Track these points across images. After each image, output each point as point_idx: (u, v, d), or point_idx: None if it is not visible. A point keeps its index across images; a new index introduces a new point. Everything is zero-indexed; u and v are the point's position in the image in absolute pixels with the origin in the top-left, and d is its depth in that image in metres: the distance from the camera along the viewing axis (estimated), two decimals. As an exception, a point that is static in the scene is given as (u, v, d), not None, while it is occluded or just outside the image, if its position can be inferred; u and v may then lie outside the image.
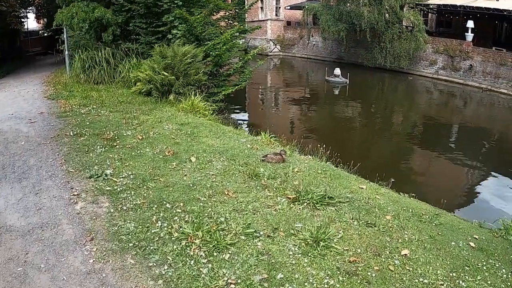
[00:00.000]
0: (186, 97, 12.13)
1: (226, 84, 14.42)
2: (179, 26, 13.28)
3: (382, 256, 4.49)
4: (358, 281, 4.03)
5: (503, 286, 4.30)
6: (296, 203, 5.71)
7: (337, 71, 26.68)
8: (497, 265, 4.68)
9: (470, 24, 30.59)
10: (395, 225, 5.36)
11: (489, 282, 4.30)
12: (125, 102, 11.33)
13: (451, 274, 4.32)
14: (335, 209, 5.70)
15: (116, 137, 7.82)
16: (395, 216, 5.70)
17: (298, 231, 4.86)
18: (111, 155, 6.82)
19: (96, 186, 5.59)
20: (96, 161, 6.56)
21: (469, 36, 30.66)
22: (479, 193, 12.28)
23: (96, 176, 5.88)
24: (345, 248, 4.56)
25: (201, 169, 6.69)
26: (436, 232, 5.31)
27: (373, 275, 4.15)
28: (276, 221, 5.09)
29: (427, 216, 5.87)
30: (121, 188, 5.54)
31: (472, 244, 5.12)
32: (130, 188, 5.57)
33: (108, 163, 6.44)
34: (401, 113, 24.13)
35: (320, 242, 4.58)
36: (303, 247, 4.52)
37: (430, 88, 31.56)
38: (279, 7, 42.38)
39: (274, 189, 6.17)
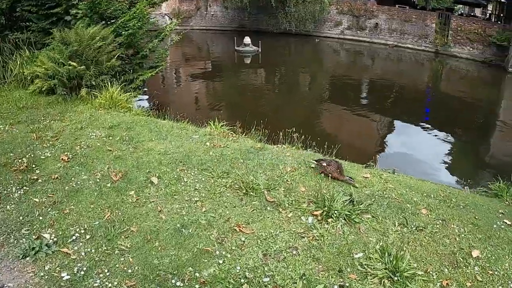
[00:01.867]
0: (100, 89, 9.71)
1: (142, 67, 12.00)
2: (80, 4, 10.55)
3: (462, 266, 3.98)
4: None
5: None
6: (328, 220, 4.37)
7: (247, 39, 25.16)
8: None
9: None
10: (437, 221, 4.76)
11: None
12: (27, 108, 8.55)
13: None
14: (372, 217, 4.62)
15: (33, 165, 5.31)
16: (427, 208, 5.06)
17: (365, 264, 3.75)
18: (37, 199, 4.44)
19: (41, 274, 3.26)
20: (21, 217, 4.11)
21: None
22: (392, 143, 12.99)
23: (34, 252, 3.50)
24: (427, 270, 3.80)
25: (174, 194, 4.74)
26: (473, 217, 4.95)
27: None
28: (330, 258, 3.78)
29: (451, 200, 5.41)
30: (84, 268, 3.32)
31: (507, 221, 4.95)
32: (97, 261, 3.40)
33: (41, 218, 4.07)
34: (313, 76, 23.94)
35: (403, 273, 3.63)
36: (392, 288, 3.41)
37: (337, 48, 31.72)
38: None
39: (287, 205, 4.64)
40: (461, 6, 45.00)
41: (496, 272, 3.95)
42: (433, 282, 3.67)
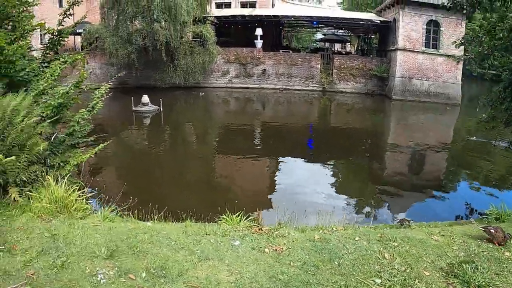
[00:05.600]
0: (34, 185, 6.84)
1: (72, 147, 8.95)
2: (-16, 64, 7.43)
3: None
4: None
5: None
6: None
7: (145, 98, 22.51)
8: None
9: (259, 31, 31.48)
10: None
11: None
12: None
13: None
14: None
15: None
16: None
17: None
18: None
19: None
20: None
21: (259, 42, 31.46)
22: (299, 185, 12.24)
23: None
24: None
25: None
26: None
27: None
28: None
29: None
30: None
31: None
32: None
33: None
34: (215, 128, 22.42)
35: None
36: None
37: (226, 97, 30.82)
38: (43, 34, 33.94)
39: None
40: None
41: None
42: None
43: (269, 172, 14.27)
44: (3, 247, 4.91)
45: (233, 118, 25.05)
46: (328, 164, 14.92)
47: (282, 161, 15.25)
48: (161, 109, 22.46)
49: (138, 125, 21.25)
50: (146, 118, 22.06)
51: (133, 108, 22.31)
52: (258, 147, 18.06)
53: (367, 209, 10.63)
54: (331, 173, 14.03)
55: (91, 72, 28.93)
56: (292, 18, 35.21)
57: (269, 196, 11.45)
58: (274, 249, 4.95)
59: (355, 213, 10.31)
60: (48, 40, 9.66)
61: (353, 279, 4.24)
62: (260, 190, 12.27)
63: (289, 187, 12.17)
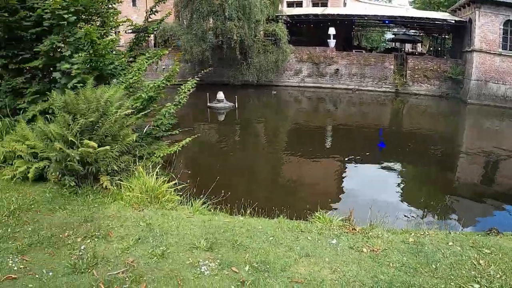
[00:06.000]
0: (123, 175, 6.85)
1: (156, 139, 9.04)
2: (74, 57, 7.57)
3: None
4: None
5: None
6: None
7: (220, 95, 22.71)
8: None
9: (332, 31, 30.91)
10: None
11: None
12: (22, 211, 5.40)
13: None
14: None
15: None
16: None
17: None
18: None
19: None
20: None
21: (332, 42, 30.93)
22: (370, 187, 12.00)
23: None
24: None
25: None
26: None
27: None
28: None
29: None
30: None
31: None
32: None
33: None
34: (287, 127, 22.14)
35: None
36: None
37: (299, 97, 30.53)
38: (119, 32, 35.52)
39: None
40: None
41: None
42: None
43: (339, 174, 14.00)
44: (98, 233, 4.90)
45: (305, 117, 24.73)
46: (399, 169, 14.53)
47: (353, 164, 14.99)
48: (236, 106, 22.54)
49: (214, 121, 21.59)
50: (221, 114, 22.30)
51: (208, 104, 22.61)
52: (329, 148, 17.81)
53: (437, 216, 10.03)
54: (401, 177, 13.63)
55: (164, 68, 29.69)
56: (366, 18, 34.12)
57: (341, 197, 11.29)
58: (371, 249, 4.79)
59: (426, 219, 9.71)
60: (135, 36, 9.85)
61: (452, 283, 4.20)
62: (331, 191, 12.06)
63: (361, 189, 11.92)
